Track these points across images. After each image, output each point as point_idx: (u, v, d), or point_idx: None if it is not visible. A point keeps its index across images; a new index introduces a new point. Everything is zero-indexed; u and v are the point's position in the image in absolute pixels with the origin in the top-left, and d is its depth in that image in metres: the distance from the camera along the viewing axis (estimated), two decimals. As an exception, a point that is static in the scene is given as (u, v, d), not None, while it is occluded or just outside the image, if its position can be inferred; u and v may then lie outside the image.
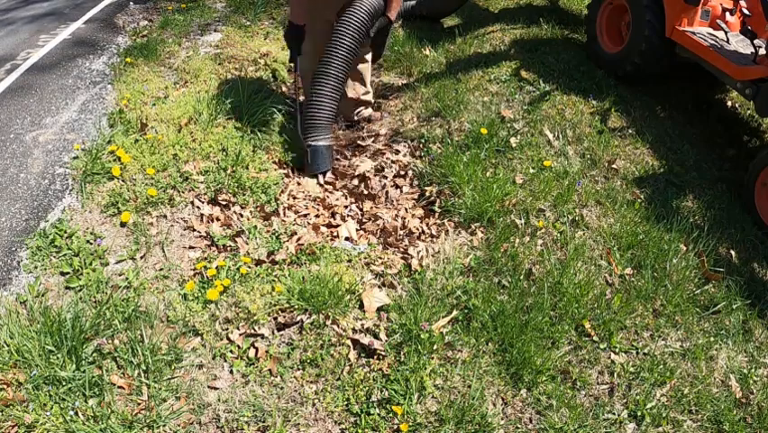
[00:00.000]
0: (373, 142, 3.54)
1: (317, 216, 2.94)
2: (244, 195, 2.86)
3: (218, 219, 2.72)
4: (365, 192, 3.14)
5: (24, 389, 1.86)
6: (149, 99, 3.45)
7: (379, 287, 2.41)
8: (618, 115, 3.63)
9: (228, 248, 2.57)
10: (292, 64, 3.23)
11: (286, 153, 3.25)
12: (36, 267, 2.35)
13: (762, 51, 3.16)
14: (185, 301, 2.25)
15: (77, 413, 1.82)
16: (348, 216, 2.98)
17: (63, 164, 2.95)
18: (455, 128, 3.48)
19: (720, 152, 3.49)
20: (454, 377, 2.06)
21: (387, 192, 3.11)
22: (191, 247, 2.56)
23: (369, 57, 3.51)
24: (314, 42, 3.16)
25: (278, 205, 2.89)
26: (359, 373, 2.05)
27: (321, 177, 3.20)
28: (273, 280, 2.36)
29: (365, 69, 3.53)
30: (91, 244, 2.45)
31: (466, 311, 2.29)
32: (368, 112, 3.72)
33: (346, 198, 3.13)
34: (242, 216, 2.76)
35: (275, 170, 3.12)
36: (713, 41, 3.40)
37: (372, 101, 3.74)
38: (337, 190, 3.20)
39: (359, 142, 3.53)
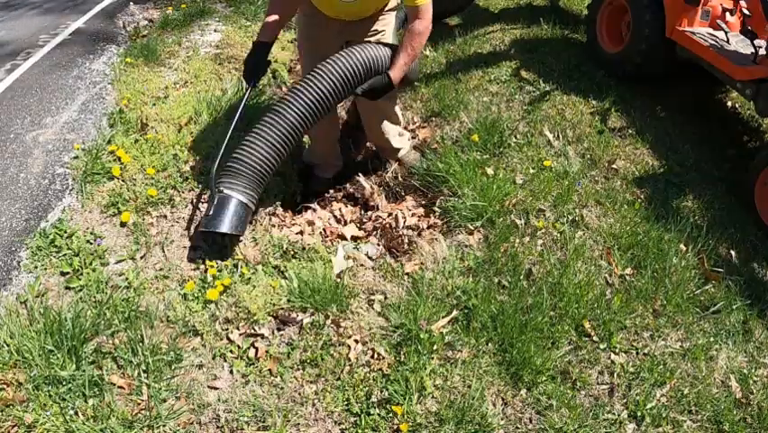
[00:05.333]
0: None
1: (318, 216, 2.94)
2: (244, 195, 2.86)
3: (218, 219, 2.71)
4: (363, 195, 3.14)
5: (24, 389, 1.86)
6: (149, 99, 3.45)
7: (379, 286, 2.41)
8: (618, 115, 3.62)
9: (228, 248, 2.56)
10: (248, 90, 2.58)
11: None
12: (36, 267, 2.35)
13: (762, 51, 3.16)
14: (185, 301, 2.25)
15: (77, 413, 1.82)
16: (349, 220, 2.98)
17: (63, 164, 2.95)
18: (455, 128, 3.48)
19: (720, 152, 3.49)
20: (454, 377, 2.06)
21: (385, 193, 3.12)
22: (191, 247, 2.55)
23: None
24: None
25: (278, 205, 2.89)
26: (359, 373, 2.05)
27: (218, 237, 2.38)
28: (273, 280, 2.36)
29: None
30: (91, 244, 2.45)
31: (466, 311, 2.28)
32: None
33: (345, 204, 3.13)
34: (242, 216, 2.76)
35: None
36: (713, 42, 3.40)
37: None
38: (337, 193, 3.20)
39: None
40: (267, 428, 1.88)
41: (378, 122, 3.08)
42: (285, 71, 4.20)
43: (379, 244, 2.72)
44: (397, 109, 3.20)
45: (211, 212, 2.31)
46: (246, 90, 2.55)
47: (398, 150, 3.23)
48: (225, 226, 2.32)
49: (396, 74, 2.53)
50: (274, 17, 2.55)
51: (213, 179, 2.37)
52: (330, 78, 2.45)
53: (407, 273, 2.47)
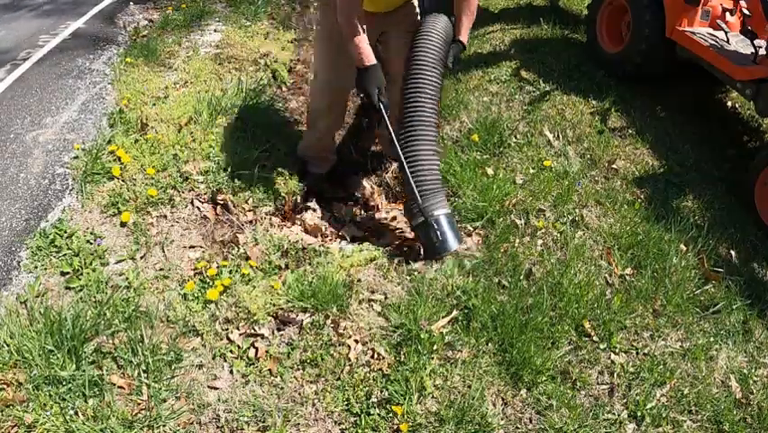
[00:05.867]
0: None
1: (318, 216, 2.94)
2: (244, 195, 2.86)
3: (218, 219, 2.72)
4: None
5: (24, 389, 1.86)
6: (149, 99, 3.45)
7: (379, 286, 2.40)
8: (618, 115, 3.62)
9: (228, 248, 2.56)
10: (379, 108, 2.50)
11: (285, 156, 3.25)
12: (36, 267, 2.35)
13: (762, 51, 3.16)
14: (185, 301, 2.25)
15: (77, 413, 1.82)
16: (349, 220, 2.97)
17: (63, 164, 2.95)
18: (455, 128, 3.48)
19: (720, 152, 3.49)
20: (454, 377, 2.06)
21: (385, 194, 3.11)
22: (191, 247, 2.55)
23: None
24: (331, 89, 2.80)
25: (278, 205, 2.89)
26: (359, 373, 2.05)
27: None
28: (273, 280, 2.36)
29: None
30: (91, 244, 2.45)
31: (466, 311, 2.28)
32: None
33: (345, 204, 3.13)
34: (241, 215, 2.76)
35: (274, 169, 3.12)
36: (713, 42, 3.40)
37: None
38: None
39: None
40: (267, 428, 1.88)
41: None
42: (285, 71, 4.20)
43: (378, 243, 2.71)
44: None
45: (439, 237, 2.51)
46: (385, 111, 2.50)
47: None
48: (454, 244, 2.54)
49: (465, 38, 2.73)
50: (365, 33, 2.47)
51: (422, 209, 2.51)
52: (435, 65, 2.60)
53: (408, 273, 2.47)
